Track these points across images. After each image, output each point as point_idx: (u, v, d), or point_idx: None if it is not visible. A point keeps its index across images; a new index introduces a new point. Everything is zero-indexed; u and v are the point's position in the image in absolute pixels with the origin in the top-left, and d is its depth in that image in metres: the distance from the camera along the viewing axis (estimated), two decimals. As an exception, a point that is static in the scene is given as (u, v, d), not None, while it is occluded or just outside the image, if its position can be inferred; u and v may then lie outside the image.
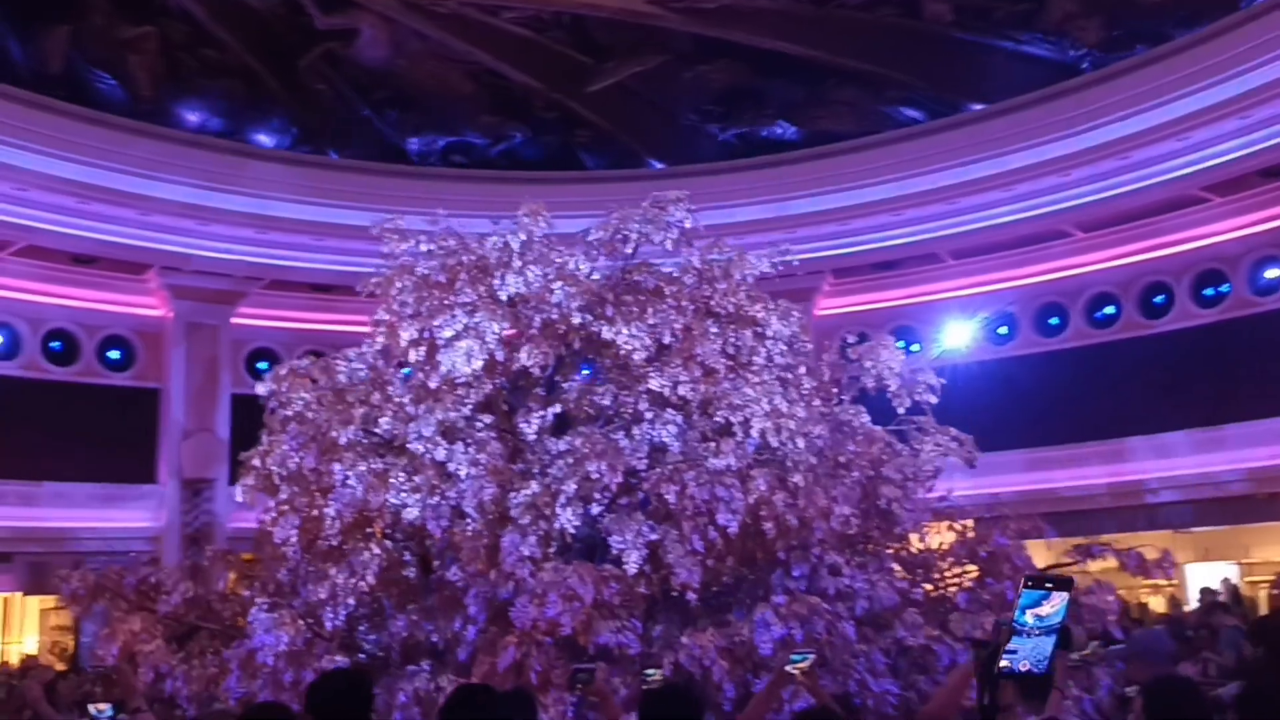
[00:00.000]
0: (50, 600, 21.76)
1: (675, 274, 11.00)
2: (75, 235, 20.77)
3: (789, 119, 24.29)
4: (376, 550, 9.51)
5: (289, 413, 10.35)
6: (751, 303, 10.87)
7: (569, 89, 24.68)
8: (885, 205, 22.52)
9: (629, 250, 10.95)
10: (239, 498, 10.77)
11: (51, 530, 21.00)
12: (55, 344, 21.91)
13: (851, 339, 11.69)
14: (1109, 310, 22.97)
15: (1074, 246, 22.85)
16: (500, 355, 10.19)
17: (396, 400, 10.11)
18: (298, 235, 22.48)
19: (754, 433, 9.83)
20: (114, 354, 22.52)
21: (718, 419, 9.99)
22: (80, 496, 21.12)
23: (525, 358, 10.07)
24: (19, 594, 21.37)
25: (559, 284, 10.31)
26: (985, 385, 23.23)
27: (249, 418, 22.84)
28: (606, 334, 10.15)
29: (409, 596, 10.03)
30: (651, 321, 10.16)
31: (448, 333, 10.22)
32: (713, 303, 10.80)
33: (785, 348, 10.92)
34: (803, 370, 11.07)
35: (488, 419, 10.01)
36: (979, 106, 22.34)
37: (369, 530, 9.81)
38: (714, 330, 10.46)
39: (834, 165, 22.83)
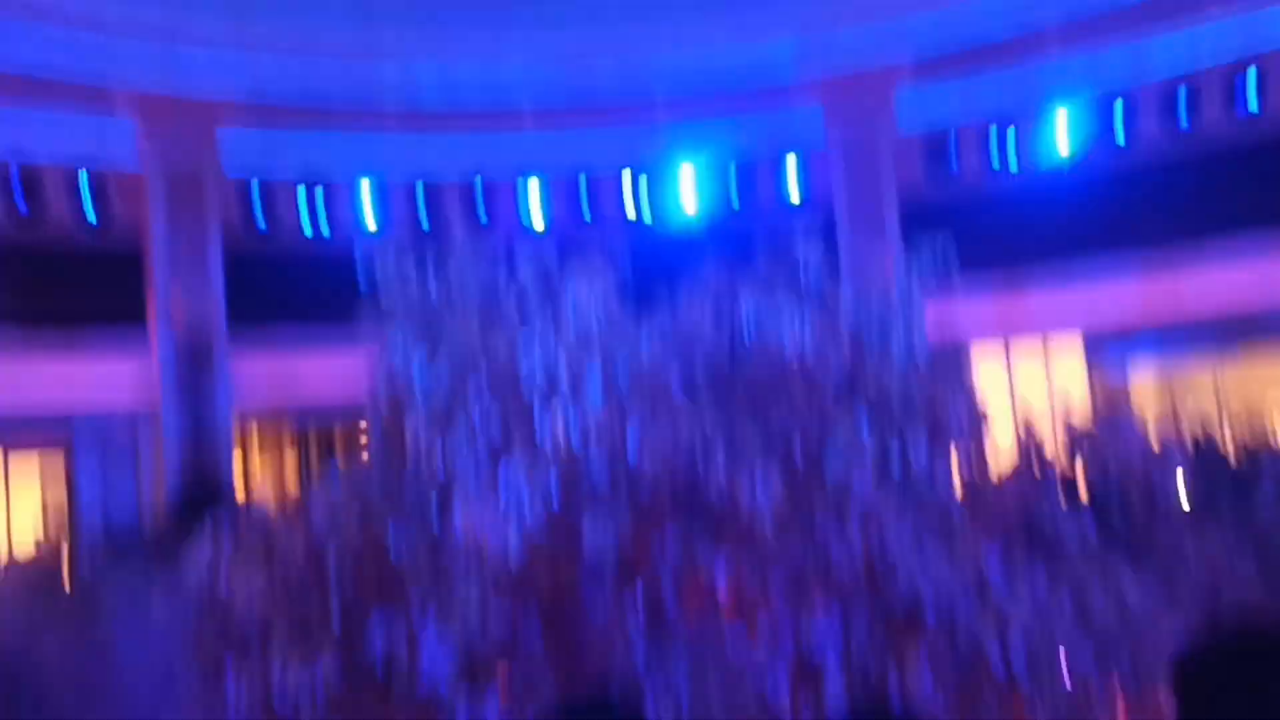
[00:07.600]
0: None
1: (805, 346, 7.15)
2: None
3: None
4: None
5: None
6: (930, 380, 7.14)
7: None
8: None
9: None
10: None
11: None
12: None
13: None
14: None
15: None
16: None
17: None
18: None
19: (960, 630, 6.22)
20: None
21: (902, 596, 6.32)
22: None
23: (590, 529, 6.48)
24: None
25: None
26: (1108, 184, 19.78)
27: (249, 275, 20.01)
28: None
29: None
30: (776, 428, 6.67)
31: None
32: (866, 378, 7.13)
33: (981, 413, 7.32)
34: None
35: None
36: None
37: None
38: (868, 429, 6.79)
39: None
